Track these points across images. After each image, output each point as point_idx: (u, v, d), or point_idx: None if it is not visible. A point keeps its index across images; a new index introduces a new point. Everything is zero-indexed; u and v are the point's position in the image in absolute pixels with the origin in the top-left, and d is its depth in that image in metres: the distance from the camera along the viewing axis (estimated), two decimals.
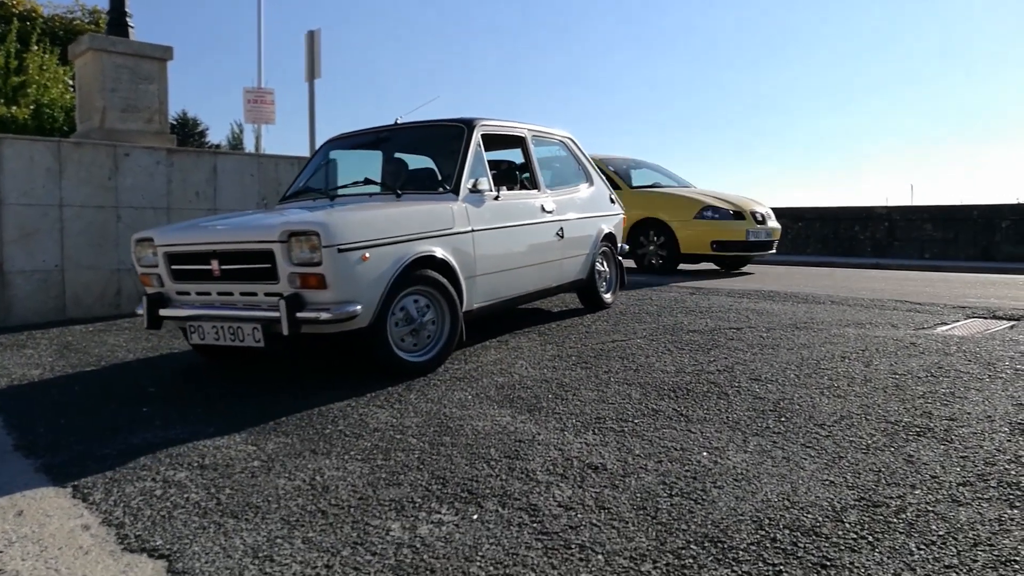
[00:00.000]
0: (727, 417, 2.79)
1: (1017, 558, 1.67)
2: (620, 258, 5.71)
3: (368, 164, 4.93)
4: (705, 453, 2.41)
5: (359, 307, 3.11)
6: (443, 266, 3.62)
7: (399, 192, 3.93)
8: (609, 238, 5.46)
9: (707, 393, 3.13)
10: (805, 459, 2.33)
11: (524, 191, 4.68)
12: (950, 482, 2.13)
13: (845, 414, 2.80)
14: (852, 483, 2.13)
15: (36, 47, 12.31)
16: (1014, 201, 12.95)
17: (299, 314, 3.05)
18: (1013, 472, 2.18)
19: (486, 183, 4.08)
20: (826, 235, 14.55)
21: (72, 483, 2.28)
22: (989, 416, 2.74)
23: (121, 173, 5.80)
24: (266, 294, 3.21)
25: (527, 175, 4.86)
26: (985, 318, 5.07)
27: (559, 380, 3.41)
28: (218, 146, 23.28)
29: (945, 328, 4.66)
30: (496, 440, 2.59)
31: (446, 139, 4.28)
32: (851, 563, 1.67)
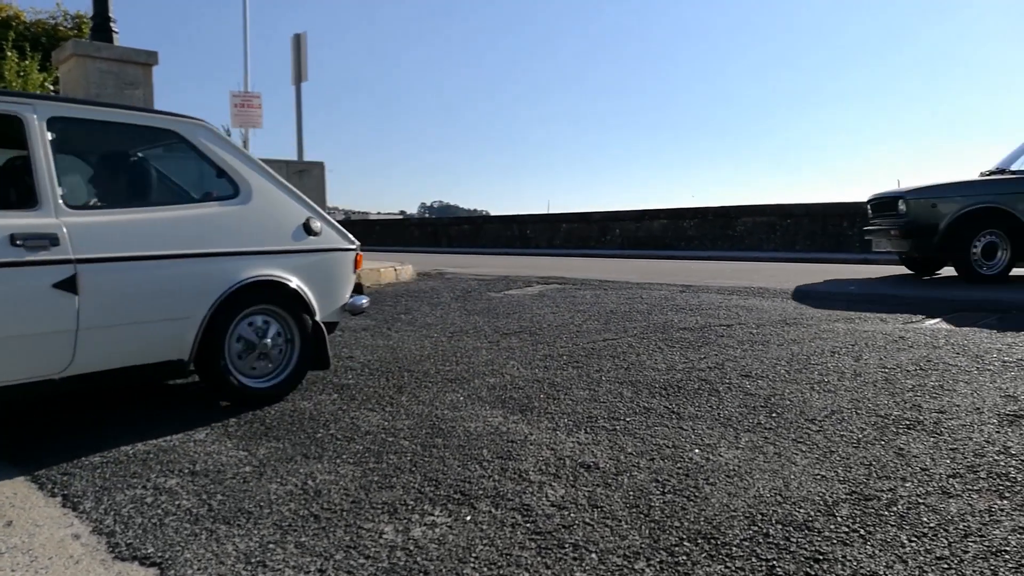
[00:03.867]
0: (718, 414, 2.80)
1: (1007, 548, 1.68)
2: (321, 322, 3.38)
3: None
4: (697, 450, 2.42)
5: None
6: None
7: None
8: (281, 291, 3.23)
9: (698, 390, 3.14)
10: (796, 454, 2.34)
11: None
12: (940, 474, 2.14)
13: (836, 408, 2.81)
14: (843, 477, 2.14)
15: (11, 53, 12.18)
16: None
17: None
18: (1002, 463, 2.20)
19: None
20: (814, 231, 14.61)
21: (62, 492, 2.26)
22: (978, 408, 2.76)
23: None
24: None
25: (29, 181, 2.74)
26: (972, 310, 5.12)
27: (550, 380, 3.41)
28: None
29: (933, 322, 4.69)
30: (488, 441, 2.59)
31: None
32: (843, 556, 1.68)
